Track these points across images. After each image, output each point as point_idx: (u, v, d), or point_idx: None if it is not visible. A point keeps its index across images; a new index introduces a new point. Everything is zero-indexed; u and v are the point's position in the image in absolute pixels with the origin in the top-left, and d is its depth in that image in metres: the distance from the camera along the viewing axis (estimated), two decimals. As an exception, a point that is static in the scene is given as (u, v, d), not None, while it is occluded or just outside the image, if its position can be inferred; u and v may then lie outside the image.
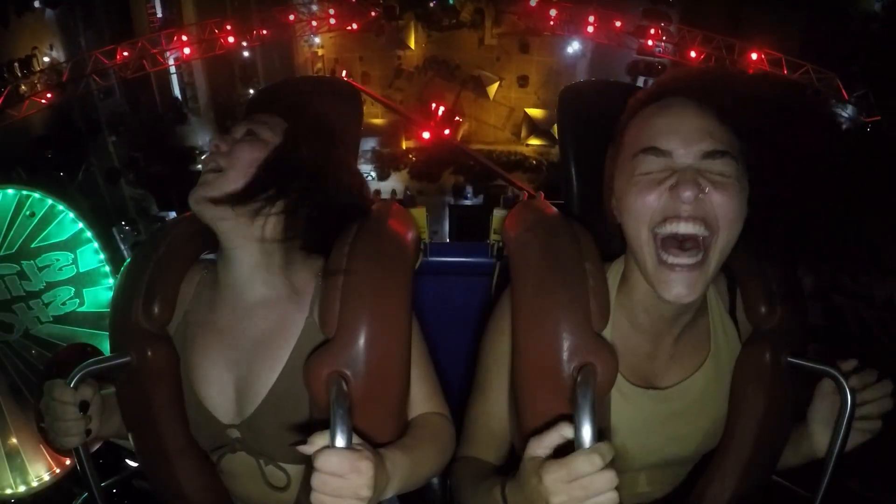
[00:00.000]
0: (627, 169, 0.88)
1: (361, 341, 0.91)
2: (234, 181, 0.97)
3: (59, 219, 1.73)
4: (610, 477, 0.74)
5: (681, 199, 0.81)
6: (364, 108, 1.31)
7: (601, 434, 0.84)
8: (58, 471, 1.70)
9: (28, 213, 1.70)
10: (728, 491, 1.00)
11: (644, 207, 0.85)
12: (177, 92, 10.51)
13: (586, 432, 0.82)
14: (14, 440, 1.62)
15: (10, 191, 1.70)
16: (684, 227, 0.82)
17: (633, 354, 0.97)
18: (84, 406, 0.97)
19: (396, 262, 0.98)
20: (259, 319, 1.01)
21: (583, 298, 0.91)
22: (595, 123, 1.15)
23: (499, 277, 1.46)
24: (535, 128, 11.63)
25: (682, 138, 0.83)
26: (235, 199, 0.97)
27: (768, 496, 1.08)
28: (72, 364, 0.99)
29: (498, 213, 1.41)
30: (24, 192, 1.70)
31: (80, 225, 1.75)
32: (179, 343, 1.06)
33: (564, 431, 0.78)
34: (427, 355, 1.08)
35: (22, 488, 1.66)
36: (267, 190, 0.98)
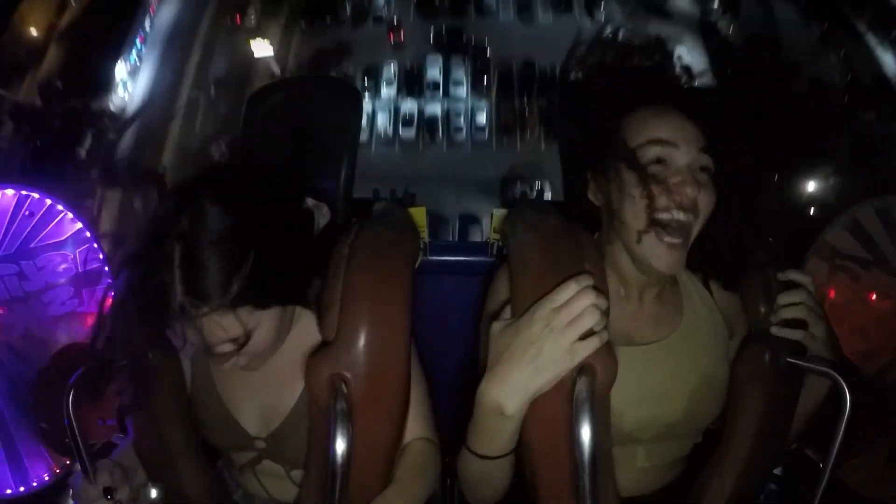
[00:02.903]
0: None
1: (361, 343, 0.91)
2: (263, 343, 0.97)
3: (58, 218, 1.73)
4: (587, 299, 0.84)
5: (686, 195, 0.98)
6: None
7: (601, 433, 0.84)
8: (58, 471, 1.70)
9: (27, 212, 1.69)
10: (728, 490, 1.00)
11: (650, 196, 0.99)
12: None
13: (585, 433, 0.82)
14: (14, 440, 1.62)
15: (9, 191, 1.69)
16: (683, 216, 0.99)
17: (614, 315, 1.01)
18: (109, 492, 0.99)
19: (396, 263, 0.98)
20: (280, 355, 1.06)
21: None
22: (594, 119, 1.15)
23: (498, 277, 1.46)
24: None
25: (683, 136, 1.01)
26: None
27: (768, 495, 1.08)
28: (71, 364, 0.99)
29: (497, 213, 1.41)
30: (24, 192, 1.70)
31: (80, 224, 1.75)
32: (203, 364, 1.09)
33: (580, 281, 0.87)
34: (422, 374, 1.09)
35: (22, 488, 1.66)
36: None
